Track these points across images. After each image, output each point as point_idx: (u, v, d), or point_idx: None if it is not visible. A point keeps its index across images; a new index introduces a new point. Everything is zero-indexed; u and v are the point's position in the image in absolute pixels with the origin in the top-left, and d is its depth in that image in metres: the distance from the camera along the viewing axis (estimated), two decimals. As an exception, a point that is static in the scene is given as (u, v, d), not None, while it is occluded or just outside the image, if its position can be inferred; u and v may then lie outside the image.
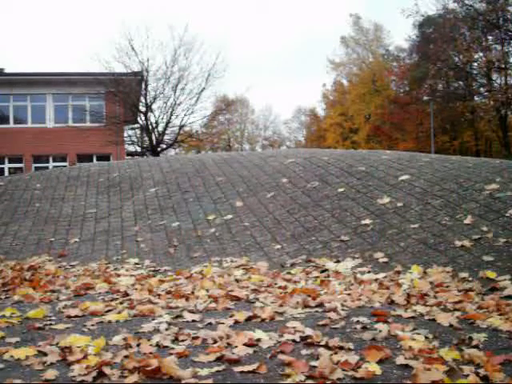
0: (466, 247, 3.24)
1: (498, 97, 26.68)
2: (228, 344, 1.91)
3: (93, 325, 2.25)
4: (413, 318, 2.22)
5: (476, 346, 1.83)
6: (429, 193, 4.14)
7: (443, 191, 4.11)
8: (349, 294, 2.67)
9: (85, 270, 3.84)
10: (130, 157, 21.66)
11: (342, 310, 2.37)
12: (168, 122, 21.22)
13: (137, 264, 4.00)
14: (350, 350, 1.82)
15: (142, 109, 21.19)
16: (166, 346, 1.92)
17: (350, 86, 38.90)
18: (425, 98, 31.43)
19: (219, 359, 1.76)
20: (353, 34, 38.52)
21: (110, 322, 2.31)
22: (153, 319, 2.32)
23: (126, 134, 22.93)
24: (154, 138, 21.04)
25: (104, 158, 20.65)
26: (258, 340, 1.94)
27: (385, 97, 35.31)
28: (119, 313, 2.45)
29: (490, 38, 28.69)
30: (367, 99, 35.52)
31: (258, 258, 3.78)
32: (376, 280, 2.98)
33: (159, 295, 2.86)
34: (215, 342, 1.95)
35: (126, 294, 2.90)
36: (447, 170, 4.54)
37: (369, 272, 3.22)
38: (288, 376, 1.59)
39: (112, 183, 6.24)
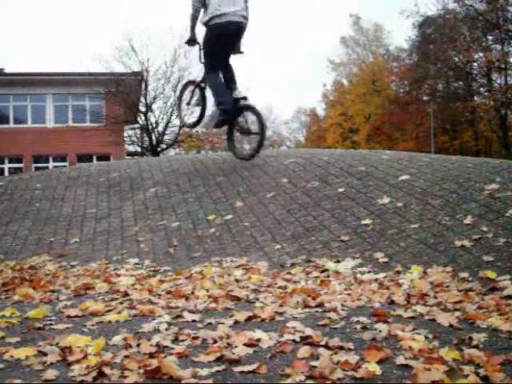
0: (466, 247, 3.24)
1: (498, 97, 26.69)
2: (228, 344, 1.91)
3: (93, 325, 2.25)
4: (413, 317, 2.22)
5: (476, 346, 1.83)
6: (429, 193, 4.14)
7: (443, 191, 4.11)
8: (349, 294, 2.67)
9: (85, 270, 3.84)
10: (129, 157, 21.67)
11: (342, 309, 2.37)
12: (168, 122, 21.24)
13: (137, 264, 4.00)
14: (349, 349, 1.82)
15: (142, 109, 21.20)
16: (166, 346, 1.92)
17: (350, 85, 38.90)
18: (425, 98, 31.45)
19: (219, 359, 1.76)
20: (353, 34, 38.54)
21: (110, 322, 2.31)
22: (153, 319, 2.32)
23: (126, 134, 22.95)
24: (153, 137, 21.05)
25: (104, 158, 20.66)
26: (258, 340, 1.94)
27: (385, 97, 35.32)
28: (119, 313, 2.45)
29: (489, 38, 28.68)
30: (367, 99, 35.52)
31: (258, 258, 3.78)
32: (376, 280, 2.98)
33: (159, 295, 2.86)
34: (215, 341, 1.95)
35: (126, 294, 2.90)
36: (447, 170, 4.54)
37: (369, 272, 3.21)
38: (288, 376, 1.59)
39: (112, 183, 6.24)
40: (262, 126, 5.73)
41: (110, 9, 63.75)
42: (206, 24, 5.51)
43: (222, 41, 5.57)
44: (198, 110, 6.11)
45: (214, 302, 2.61)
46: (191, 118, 6.73)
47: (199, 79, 6.07)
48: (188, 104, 6.25)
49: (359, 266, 3.36)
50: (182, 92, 6.50)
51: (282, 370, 1.65)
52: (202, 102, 5.92)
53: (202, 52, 5.73)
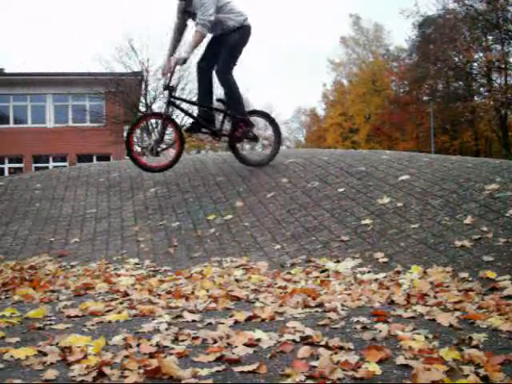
0: (466, 247, 3.24)
1: (498, 97, 26.67)
2: (228, 344, 1.91)
3: (93, 325, 2.25)
4: (413, 318, 2.22)
5: (476, 346, 1.83)
6: (429, 193, 4.14)
7: (443, 191, 4.11)
8: (349, 294, 2.67)
9: (85, 270, 3.84)
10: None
11: (342, 310, 2.37)
12: (168, 122, 21.13)
13: (137, 264, 4.00)
14: (349, 349, 1.82)
15: (142, 109, 21.18)
16: (166, 346, 1.92)
17: (350, 86, 38.87)
18: (425, 98, 31.43)
19: (219, 359, 1.76)
20: (353, 34, 38.53)
21: (110, 322, 2.31)
22: (153, 319, 2.32)
23: (126, 134, 22.89)
24: (153, 137, 21.03)
25: (104, 158, 20.65)
26: (258, 340, 1.94)
27: (385, 97, 35.29)
28: (119, 313, 2.45)
29: (490, 38, 28.67)
30: (367, 99, 35.51)
31: (258, 258, 3.78)
32: (376, 280, 2.98)
33: (159, 295, 2.86)
34: (215, 341, 1.95)
35: (126, 294, 2.90)
36: (447, 170, 4.54)
37: (369, 272, 3.21)
38: (288, 376, 1.59)
39: (112, 183, 6.24)
40: (277, 128, 5.80)
41: (109, 9, 63.76)
42: (238, 26, 5.18)
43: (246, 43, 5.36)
44: (166, 149, 5.67)
45: (214, 302, 2.60)
46: (163, 159, 5.68)
47: (163, 111, 5.37)
48: (159, 142, 5.60)
49: (359, 266, 3.36)
50: (135, 126, 5.52)
51: (282, 369, 1.65)
52: (180, 138, 5.43)
53: (232, 54, 5.24)
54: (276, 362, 1.73)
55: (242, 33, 5.29)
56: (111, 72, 20.63)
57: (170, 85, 5.31)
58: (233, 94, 5.36)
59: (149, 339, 1.97)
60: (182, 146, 5.41)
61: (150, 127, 20.60)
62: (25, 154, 21.97)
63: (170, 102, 5.35)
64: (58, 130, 22.21)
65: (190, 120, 5.67)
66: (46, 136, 21.88)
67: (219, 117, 5.64)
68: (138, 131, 5.63)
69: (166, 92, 5.37)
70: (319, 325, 2.14)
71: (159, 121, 5.42)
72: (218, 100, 5.77)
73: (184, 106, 5.41)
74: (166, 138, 21.04)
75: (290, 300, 2.55)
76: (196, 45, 5.11)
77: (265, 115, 5.97)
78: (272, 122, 5.85)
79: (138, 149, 20.81)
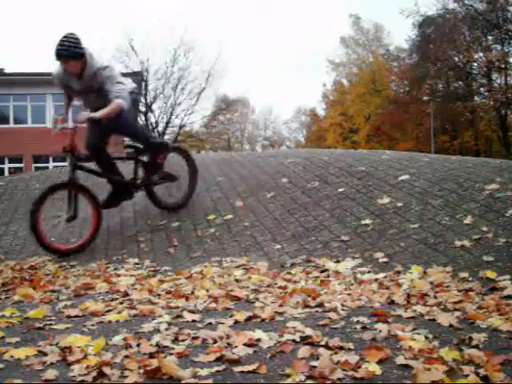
0: (466, 247, 3.24)
1: (498, 97, 26.68)
2: (228, 344, 1.91)
3: (93, 325, 2.25)
4: (413, 317, 2.22)
5: (476, 346, 1.83)
6: (429, 193, 4.14)
7: (443, 191, 4.11)
8: (349, 294, 2.67)
9: (85, 270, 3.84)
10: (130, 157, 21.62)
11: (342, 310, 2.37)
12: (168, 122, 21.19)
13: (137, 264, 4.00)
14: (349, 349, 1.82)
15: (142, 109, 21.18)
16: (166, 346, 1.92)
17: (350, 85, 38.86)
18: (425, 98, 31.40)
19: (219, 359, 1.76)
20: (353, 34, 38.53)
21: (110, 322, 2.31)
22: (153, 319, 2.32)
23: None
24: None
25: (104, 158, 20.56)
26: (258, 340, 1.94)
27: (385, 97, 35.25)
28: (119, 313, 2.45)
29: (489, 38, 28.66)
30: (367, 99, 35.48)
31: (258, 258, 3.78)
32: (376, 280, 2.98)
33: (159, 295, 2.86)
34: (215, 341, 1.95)
35: (126, 294, 2.90)
36: (447, 170, 4.54)
37: (369, 272, 3.21)
38: (288, 376, 1.59)
39: (112, 183, 6.23)
40: (193, 165, 5.31)
41: (109, 9, 63.78)
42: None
43: None
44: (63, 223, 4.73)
45: (214, 302, 2.60)
46: (75, 241, 4.69)
47: (69, 178, 4.50)
48: (72, 219, 4.60)
49: (359, 266, 3.36)
50: (41, 206, 4.34)
51: (282, 369, 1.65)
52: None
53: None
54: (276, 362, 1.73)
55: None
56: (111, 72, 20.62)
57: (71, 145, 4.50)
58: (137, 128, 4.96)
59: (149, 339, 1.97)
60: (99, 220, 4.61)
61: (150, 127, 20.57)
62: (25, 154, 21.95)
63: (76, 166, 4.52)
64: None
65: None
66: (46, 136, 21.86)
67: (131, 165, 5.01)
68: (45, 208, 4.39)
69: (69, 154, 4.48)
70: (319, 325, 2.14)
71: (70, 192, 4.50)
72: (127, 146, 5.19)
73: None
74: (166, 138, 21.04)
75: (290, 300, 2.54)
76: (112, 114, 4.39)
77: (180, 151, 5.43)
78: (187, 157, 5.36)
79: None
